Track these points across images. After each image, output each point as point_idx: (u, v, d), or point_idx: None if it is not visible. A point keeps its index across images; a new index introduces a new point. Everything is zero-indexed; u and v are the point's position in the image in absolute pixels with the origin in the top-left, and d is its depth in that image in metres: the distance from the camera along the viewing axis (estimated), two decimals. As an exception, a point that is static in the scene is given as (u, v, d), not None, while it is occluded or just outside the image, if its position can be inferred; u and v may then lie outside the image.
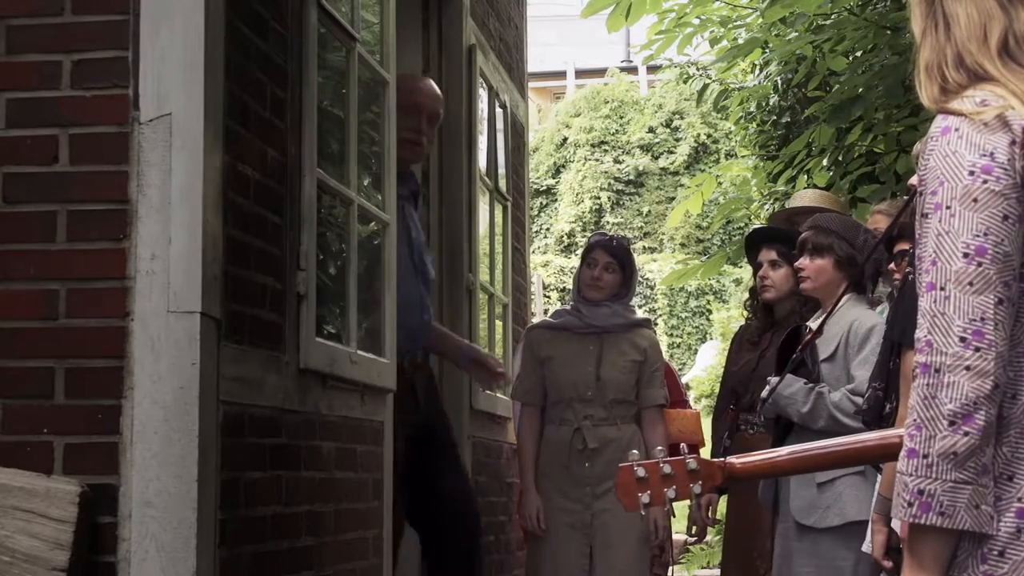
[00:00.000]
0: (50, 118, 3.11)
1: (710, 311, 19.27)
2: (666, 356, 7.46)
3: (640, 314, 5.61)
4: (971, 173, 1.85)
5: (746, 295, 5.70)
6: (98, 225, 3.06)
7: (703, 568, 10.08)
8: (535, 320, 8.11)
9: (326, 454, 3.98)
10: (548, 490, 5.19)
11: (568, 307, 5.45)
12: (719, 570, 5.51)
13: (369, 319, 4.48)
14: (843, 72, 6.50)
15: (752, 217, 9.87)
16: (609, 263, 5.26)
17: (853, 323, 4.29)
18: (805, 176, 7.59)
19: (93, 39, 3.11)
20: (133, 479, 2.98)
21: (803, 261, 4.43)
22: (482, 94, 6.46)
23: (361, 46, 4.39)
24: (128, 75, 3.08)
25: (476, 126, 6.25)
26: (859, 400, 4.06)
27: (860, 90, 6.21)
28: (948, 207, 1.85)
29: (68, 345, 3.05)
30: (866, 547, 3.70)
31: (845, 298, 4.32)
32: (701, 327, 19.94)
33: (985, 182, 1.84)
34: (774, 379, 4.21)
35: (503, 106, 6.89)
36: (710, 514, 5.39)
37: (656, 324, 20.58)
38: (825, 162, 7.35)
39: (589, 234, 21.81)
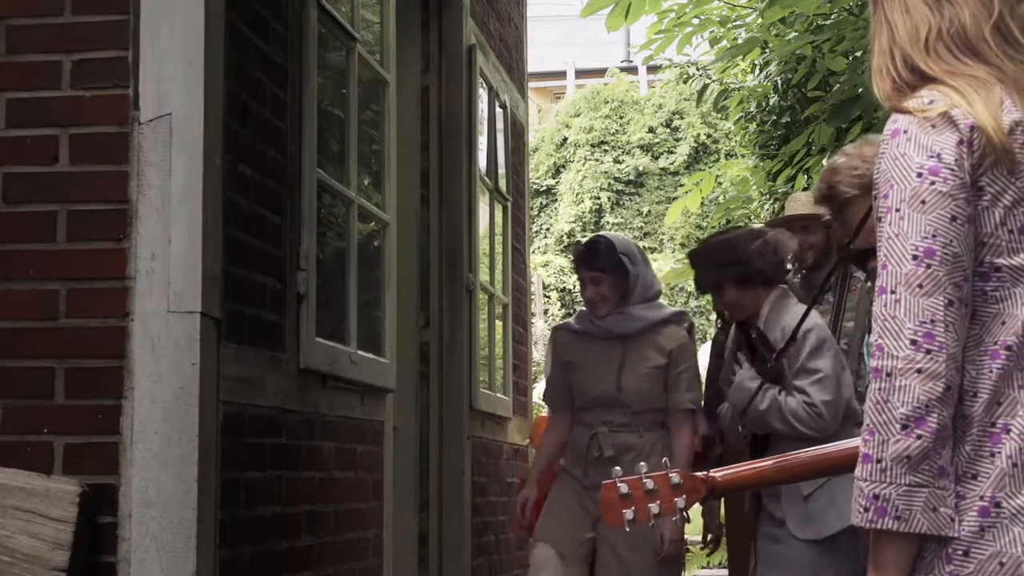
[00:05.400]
0: (50, 118, 3.11)
1: (710, 311, 19.28)
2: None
3: (671, 308, 5.11)
4: (919, 175, 1.85)
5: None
6: (98, 225, 3.06)
7: (703, 568, 10.10)
8: (535, 320, 8.05)
9: (326, 454, 3.98)
10: (568, 489, 4.90)
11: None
12: (721, 569, 5.51)
13: (369, 319, 4.48)
14: (843, 72, 6.50)
15: (752, 216, 9.88)
16: (594, 276, 4.89)
17: (784, 328, 4.26)
18: (804, 175, 7.60)
19: (93, 39, 3.11)
20: (133, 479, 2.98)
21: (718, 303, 4.46)
22: (482, 94, 6.46)
23: (361, 46, 4.39)
24: (128, 75, 3.08)
25: (476, 126, 6.25)
26: (815, 411, 4.07)
27: (860, 90, 6.22)
28: (897, 210, 1.85)
29: (68, 345, 3.05)
30: None
31: (771, 299, 4.32)
32: (701, 327, 19.93)
33: (933, 183, 1.84)
34: (738, 373, 4.22)
35: (503, 106, 6.90)
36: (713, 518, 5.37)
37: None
38: (825, 161, 7.34)
39: (589, 234, 21.89)
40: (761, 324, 4.29)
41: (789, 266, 4.71)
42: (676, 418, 4.90)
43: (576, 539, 4.78)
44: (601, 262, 4.88)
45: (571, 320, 5.27)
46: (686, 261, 6.11)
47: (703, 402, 5.23)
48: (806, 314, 4.00)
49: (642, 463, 2.53)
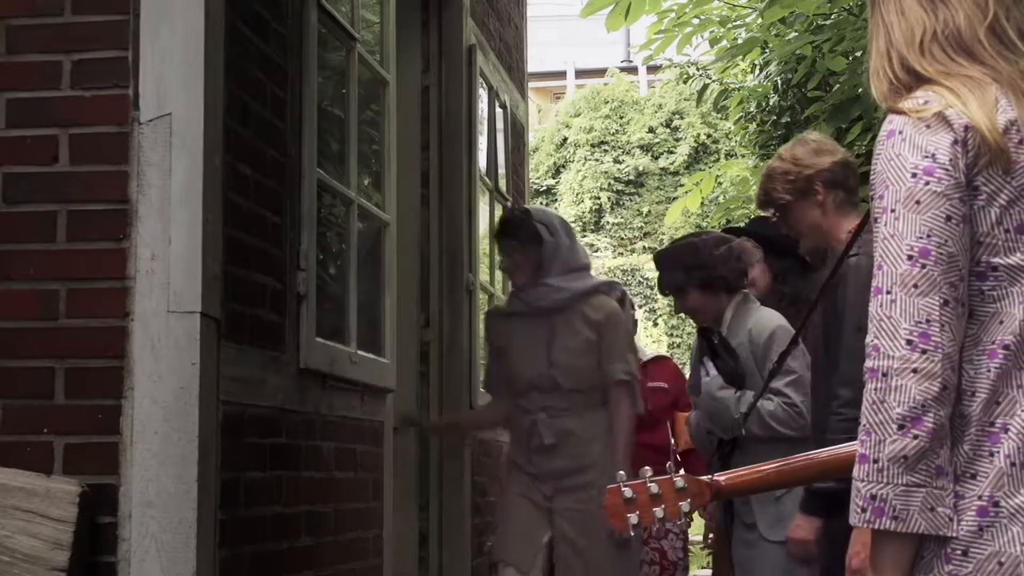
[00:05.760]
0: (50, 118, 3.11)
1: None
2: (668, 355, 7.48)
3: (600, 278, 4.94)
4: (913, 175, 1.86)
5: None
6: (98, 225, 3.06)
7: (703, 568, 10.09)
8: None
9: (326, 454, 3.99)
10: (518, 485, 4.81)
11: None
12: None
13: (369, 319, 4.48)
14: (843, 72, 6.50)
15: (752, 216, 9.86)
16: (509, 244, 4.81)
17: (751, 330, 4.26)
18: (805, 176, 7.58)
19: (93, 39, 3.11)
20: (133, 479, 2.98)
21: (680, 306, 4.46)
22: (482, 94, 6.46)
23: (361, 46, 4.39)
24: (128, 75, 3.08)
25: (476, 126, 6.25)
26: (796, 410, 4.08)
27: (860, 90, 6.22)
28: (893, 210, 1.86)
29: (68, 345, 3.05)
30: None
31: (734, 304, 4.32)
32: (701, 326, 19.92)
33: (927, 183, 1.85)
34: (704, 381, 4.23)
35: (503, 106, 6.90)
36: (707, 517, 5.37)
37: (656, 324, 20.58)
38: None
39: (589, 234, 21.91)
40: (724, 329, 4.31)
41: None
42: (612, 393, 4.70)
43: (535, 548, 4.73)
44: (515, 231, 4.80)
45: (500, 304, 5.24)
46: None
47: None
48: (808, 316, 3.99)
49: (646, 468, 2.52)
